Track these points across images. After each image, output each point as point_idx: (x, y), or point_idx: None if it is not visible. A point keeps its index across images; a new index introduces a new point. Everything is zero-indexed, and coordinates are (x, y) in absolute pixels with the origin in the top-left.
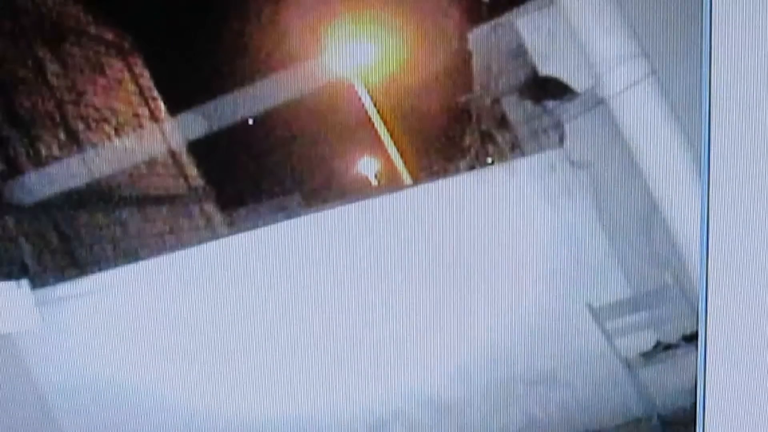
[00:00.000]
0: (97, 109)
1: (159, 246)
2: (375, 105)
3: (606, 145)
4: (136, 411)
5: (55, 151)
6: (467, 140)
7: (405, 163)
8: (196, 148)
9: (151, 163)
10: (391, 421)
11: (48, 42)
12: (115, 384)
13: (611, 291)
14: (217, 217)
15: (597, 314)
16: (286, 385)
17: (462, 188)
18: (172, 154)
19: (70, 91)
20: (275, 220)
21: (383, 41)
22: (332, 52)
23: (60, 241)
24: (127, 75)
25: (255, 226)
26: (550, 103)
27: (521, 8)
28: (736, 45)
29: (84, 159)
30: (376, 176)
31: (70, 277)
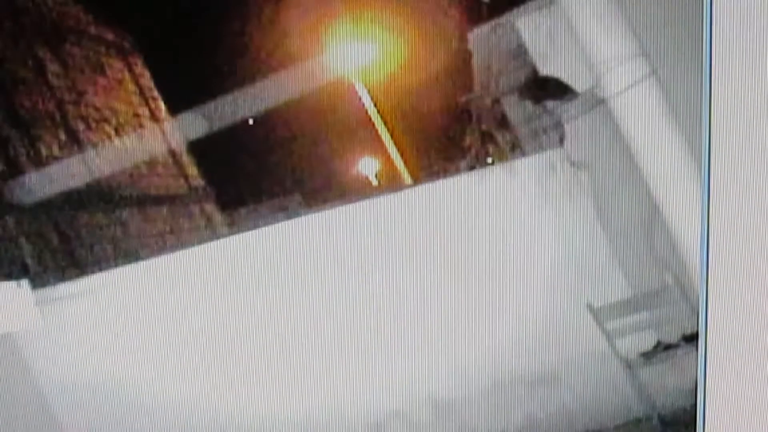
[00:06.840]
0: (97, 109)
1: (159, 246)
2: (375, 105)
3: (606, 145)
4: (136, 410)
5: (55, 151)
6: (467, 140)
7: (405, 163)
8: (196, 148)
9: (151, 163)
10: (390, 420)
11: (48, 42)
12: (114, 383)
13: (611, 291)
14: (218, 217)
15: (597, 314)
16: (286, 384)
17: (462, 188)
18: (172, 154)
19: (70, 91)
20: (275, 220)
21: (383, 41)
22: (332, 52)
23: (60, 241)
24: (127, 75)
25: (255, 226)
26: (550, 103)
27: (521, 8)
28: (737, 45)
29: (84, 159)
30: (376, 176)
31: (70, 277)
